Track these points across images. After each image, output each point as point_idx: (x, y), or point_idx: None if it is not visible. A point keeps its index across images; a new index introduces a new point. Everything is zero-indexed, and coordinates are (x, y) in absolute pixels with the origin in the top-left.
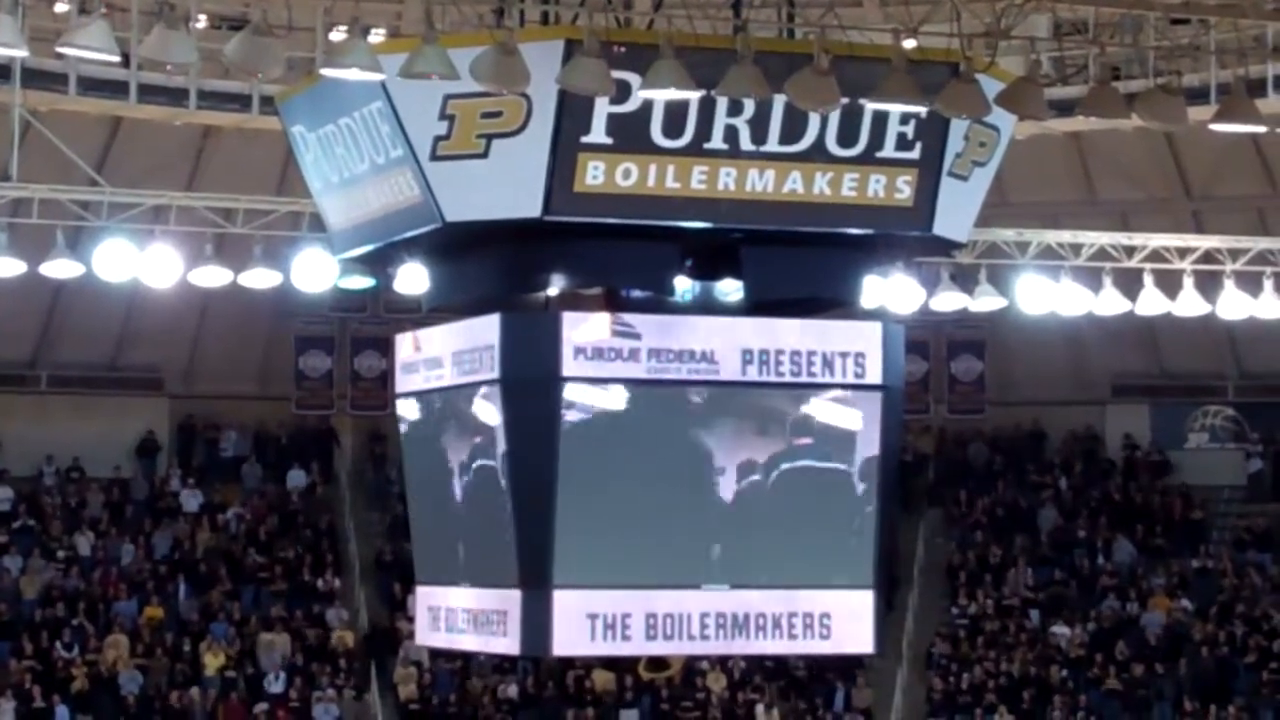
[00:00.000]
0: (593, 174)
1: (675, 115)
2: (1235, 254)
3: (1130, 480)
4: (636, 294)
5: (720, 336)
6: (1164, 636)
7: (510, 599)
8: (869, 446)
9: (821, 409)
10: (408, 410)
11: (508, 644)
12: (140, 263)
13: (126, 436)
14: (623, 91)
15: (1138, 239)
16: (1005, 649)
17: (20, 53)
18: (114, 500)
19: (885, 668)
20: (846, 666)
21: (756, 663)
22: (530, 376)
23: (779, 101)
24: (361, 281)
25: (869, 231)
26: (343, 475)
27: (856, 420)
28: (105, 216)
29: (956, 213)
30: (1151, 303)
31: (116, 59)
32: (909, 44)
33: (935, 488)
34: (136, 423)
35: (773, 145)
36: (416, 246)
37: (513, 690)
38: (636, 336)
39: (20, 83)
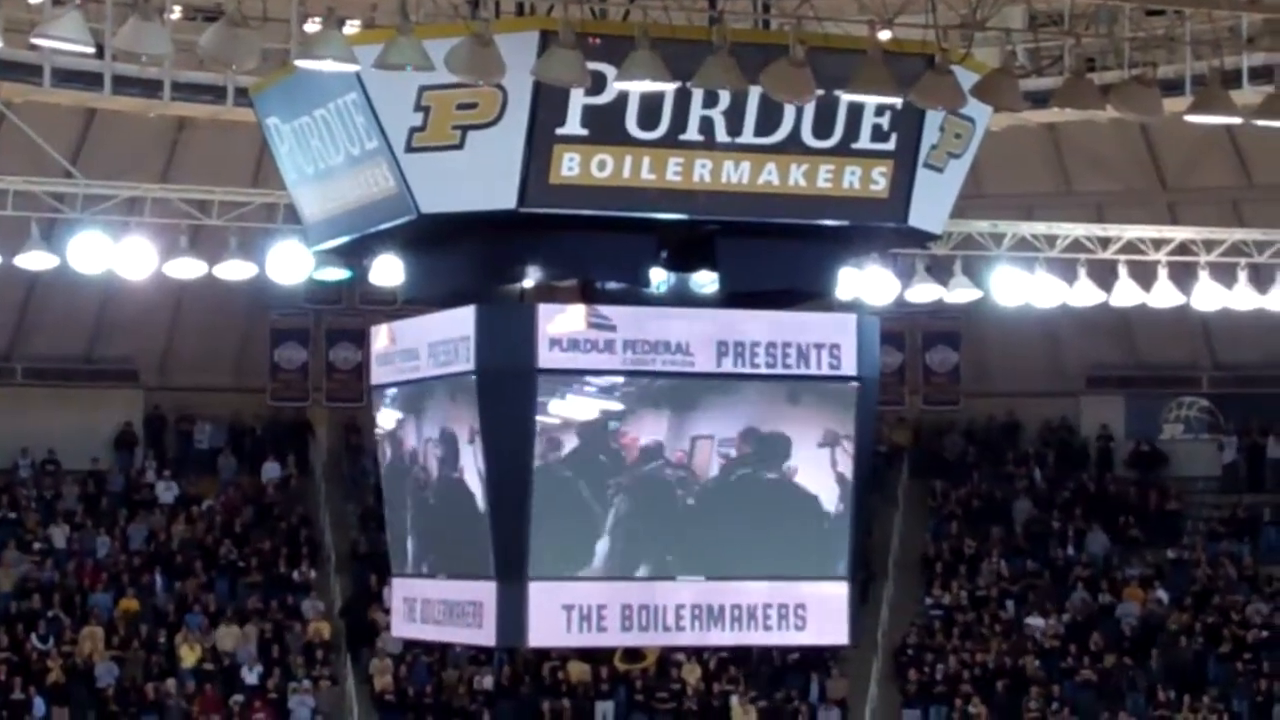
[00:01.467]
0: (568, 165)
1: (650, 107)
2: (1210, 245)
3: (1107, 471)
4: (612, 286)
5: (695, 328)
6: (1138, 627)
7: (486, 590)
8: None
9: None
10: (383, 402)
11: (483, 635)
12: (115, 255)
13: (102, 428)
14: (598, 83)
15: (1113, 230)
16: (980, 640)
17: None
18: (89, 492)
19: (860, 659)
20: (821, 658)
21: (732, 654)
22: (505, 368)
23: (754, 93)
24: (337, 273)
25: (844, 223)
26: (318, 467)
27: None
28: (80, 208)
29: (932, 204)
30: (1126, 294)
31: (91, 50)
32: (884, 35)
33: (911, 479)
34: (112, 415)
35: (748, 137)
36: (392, 238)
37: (488, 681)
38: (612, 328)
39: None
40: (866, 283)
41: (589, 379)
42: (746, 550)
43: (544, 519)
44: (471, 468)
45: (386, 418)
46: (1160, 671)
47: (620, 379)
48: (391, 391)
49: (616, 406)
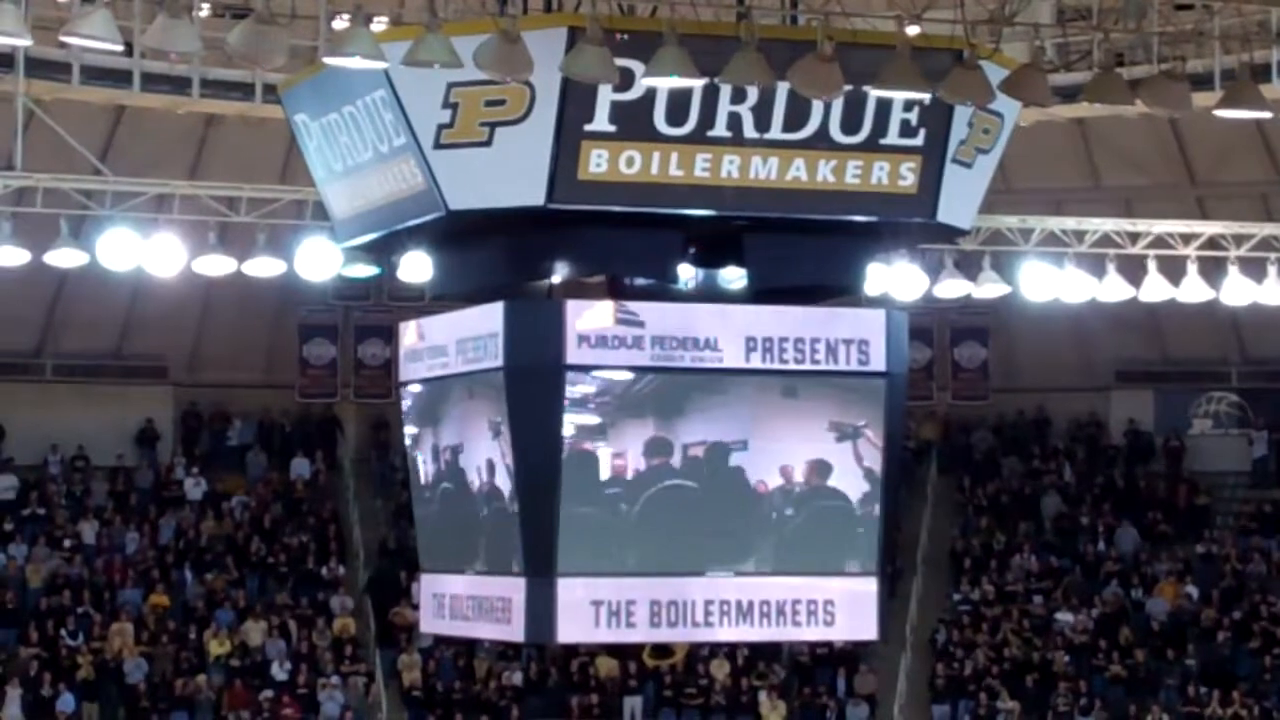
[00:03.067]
0: (596, 162)
1: (679, 103)
2: (1239, 240)
3: (1137, 465)
4: (640, 282)
5: (723, 324)
6: (1168, 623)
7: (515, 586)
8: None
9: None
10: (411, 398)
11: (512, 631)
12: (144, 251)
13: (131, 425)
14: (626, 79)
15: (1141, 225)
16: (1009, 635)
17: (24, 42)
18: (118, 488)
19: (889, 654)
20: (850, 653)
21: (760, 649)
22: (534, 364)
23: (782, 89)
24: (365, 270)
25: (873, 219)
26: (346, 463)
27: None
28: (109, 205)
29: (960, 199)
30: (1155, 289)
31: (120, 48)
32: (912, 31)
33: (939, 474)
34: (141, 411)
35: (776, 133)
36: (420, 235)
37: (517, 677)
38: (640, 324)
39: (24, 72)
40: (895, 278)
41: (615, 391)
42: (776, 546)
43: (574, 515)
44: (500, 463)
45: (415, 414)
46: (1191, 667)
47: (647, 380)
48: (420, 387)
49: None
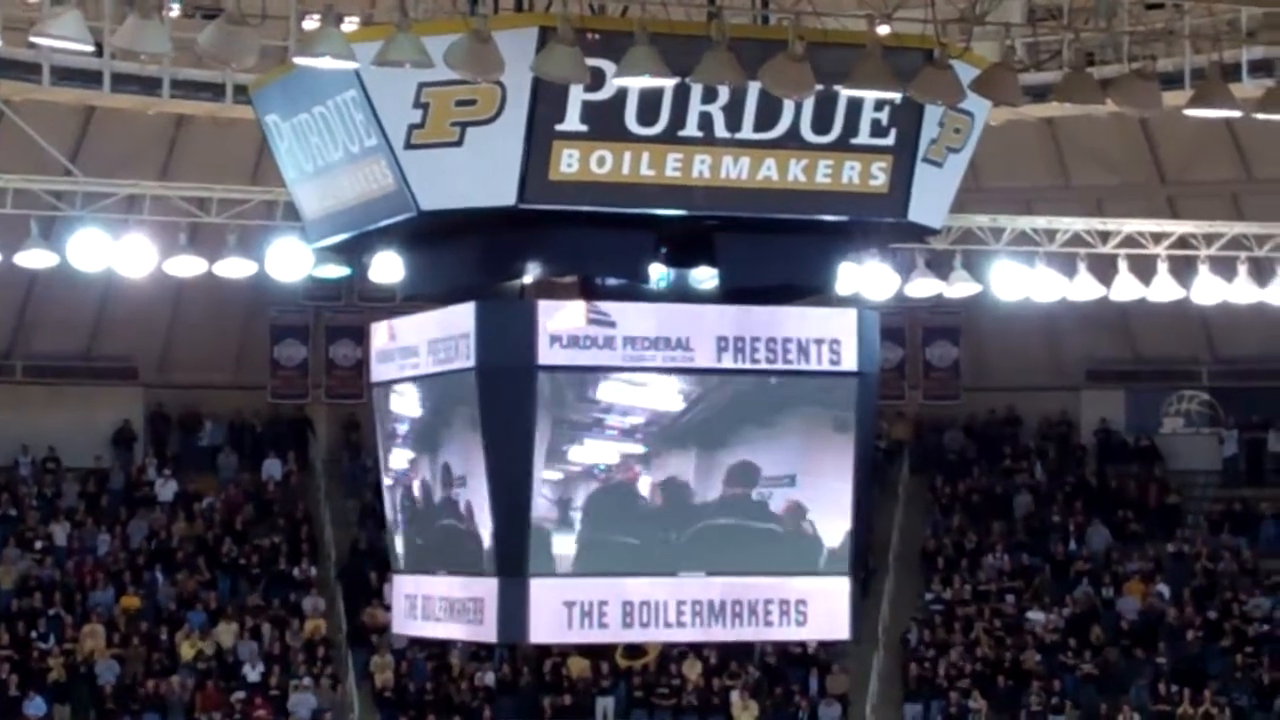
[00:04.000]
0: (567, 162)
1: (650, 102)
2: (1210, 239)
3: (1108, 464)
4: (611, 282)
5: (695, 324)
6: (1139, 621)
7: (487, 587)
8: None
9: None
10: (382, 399)
11: (485, 631)
12: (114, 252)
13: (102, 426)
14: (597, 79)
15: (1112, 224)
16: (980, 634)
17: None
18: (90, 490)
19: (861, 654)
20: (822, 653)
21: (732, 650)
22: (506, 365)
23: (753, 88)
24: (336, 270)
25: (844, 218)
26: (318, 464)
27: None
28: (79, 206)
29: (931, 199)
30: (1126, 288)
31: (90, 48)
32: (883, 30)
33: (911, 474)
34: (111, 412)
35: (747, 132)
36: (391, 235)
37: (489, 678)
38: (611, 324)
39: None
40: (866, 278)
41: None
42: (747, 546)
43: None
44: (472, 464)
45: (386, 415)
46: (1161, 665)
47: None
48: (392, 388)
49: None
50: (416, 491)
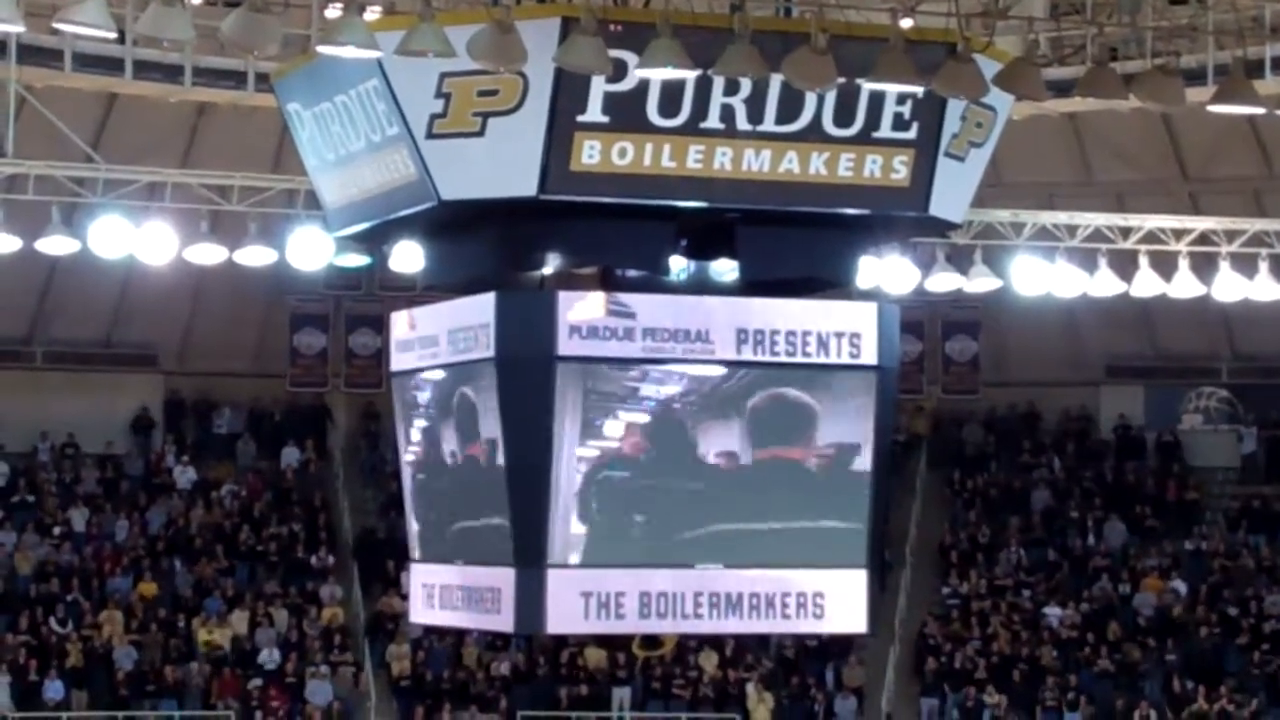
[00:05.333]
0: (589, 153)
1: (671, 94)
2: (1231, 235)
3: (1126, 460)
4: (632, 273)
5: (715, 316)
6: (1155, 618)
7: (505, 577)
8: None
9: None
10: (402, 388)
11: (502, 621)
12: (135, 239)
13: (121, 413)
14: (619, 70)
15: (1133, 220)
16: (997, 629)
17: (16, 28)
18: (108, 476)
19: (877, 647)
20: (838, 646)
21: (749, 642)
22: (525, 355)
23: (775, 81)
24: (357, 259)
25: (865, 212)
26: (336, 453)
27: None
28: (100, 193)
29: (952, 193)
30: (1147, 284)
31: (113, 35)
32: (906, 23)
33: (929, 468)
34: (131, 399)
35: (769, 125)
36: (412, 225)
37: (506, 667)
38: (631, 316)
39: (16, 59)
40: (887, 272)
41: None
42: (765, 538)
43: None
44: (491, 454)
45: (405, 404)
46: (1178, 662)
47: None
48: (411, 377)
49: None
50: (437, 481)
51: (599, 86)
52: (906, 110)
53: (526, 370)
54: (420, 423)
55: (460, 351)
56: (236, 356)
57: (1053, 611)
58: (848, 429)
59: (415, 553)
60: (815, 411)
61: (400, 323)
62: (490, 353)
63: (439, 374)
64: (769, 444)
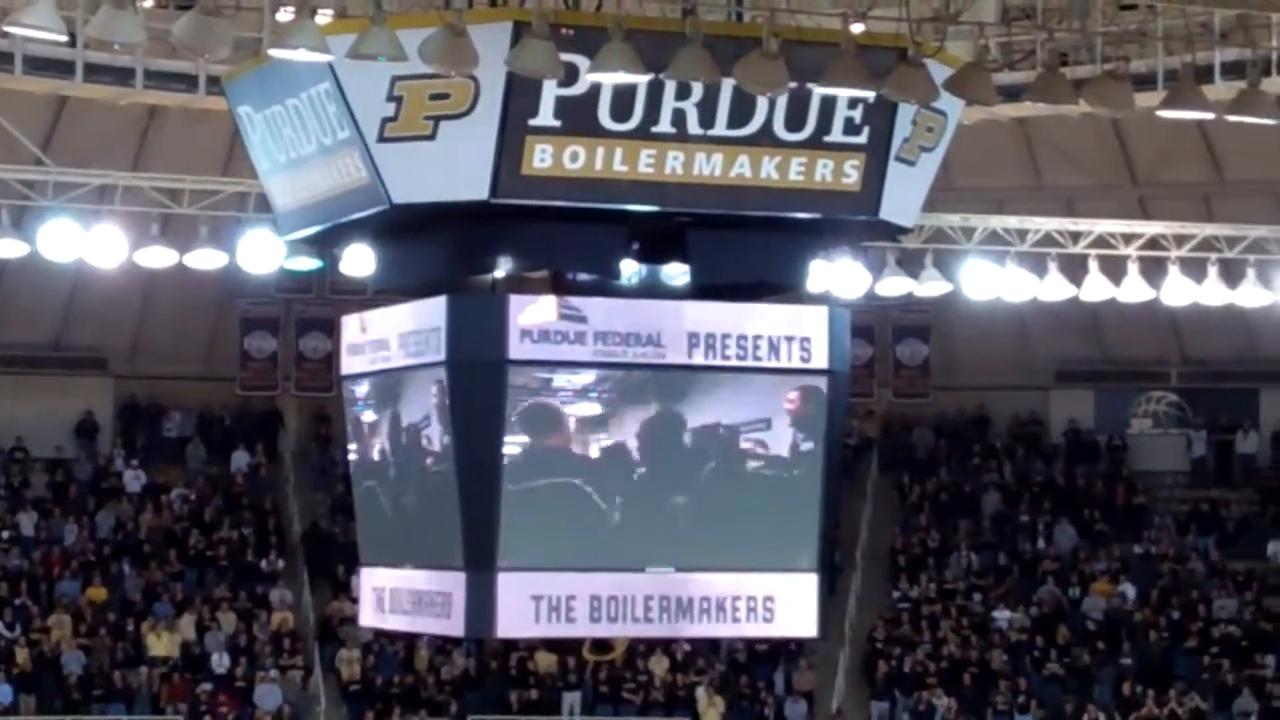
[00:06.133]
0: (540, 156)
1: (623, 98)
2: (1180, 240)
3: (1076, 464)
4: (583, 277)
5: (667, 320)
6: (1105, 621)
7: (455, 580)
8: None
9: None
10: (353, 392)
11: (452, 625)
12: (85, 242)
13: (70, 416)
14: (571, 74)
15: (1083, 225)
16: (947, 633)
17: None
18: (57, 480)
19: (828, 651)
20: (789, 649)
21: (699, 646)
22: (477, 359)
23: (727, 85)
24: (308, 263)
25: (816, 216)
26: (287, 456)
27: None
28: (50, 196)
29: (903, 198)
30: (1096, 289)
31: (63, 38)
32: (858, 28)
33: (880, 472)
34: (80, 402)
35: (720, 129)
36: (363, 228)
37: (456, 671)
38: (583, 320)
39: None
40: (837, 276)
41: (563, 387)
42: (715, 541)
43: (514, 510)
44: (442, 458)
45: (356, 408)
46: (1128, 666)
47: (590, 379)
48: (362, 381)
49: (595, 410)
50: (386, 484)
51: (551, 90)
52: (858, 115)
53: (477, 374)
54: (371, 426)
55: (411, 355)
56: (187, 360)
57: (1002, 615)
58: (798, 431)
59: (365, 556)
60: (767, 415)
61: (351, 326)
62: (441, 356)
63: (390, 378)
64: (720, 447)
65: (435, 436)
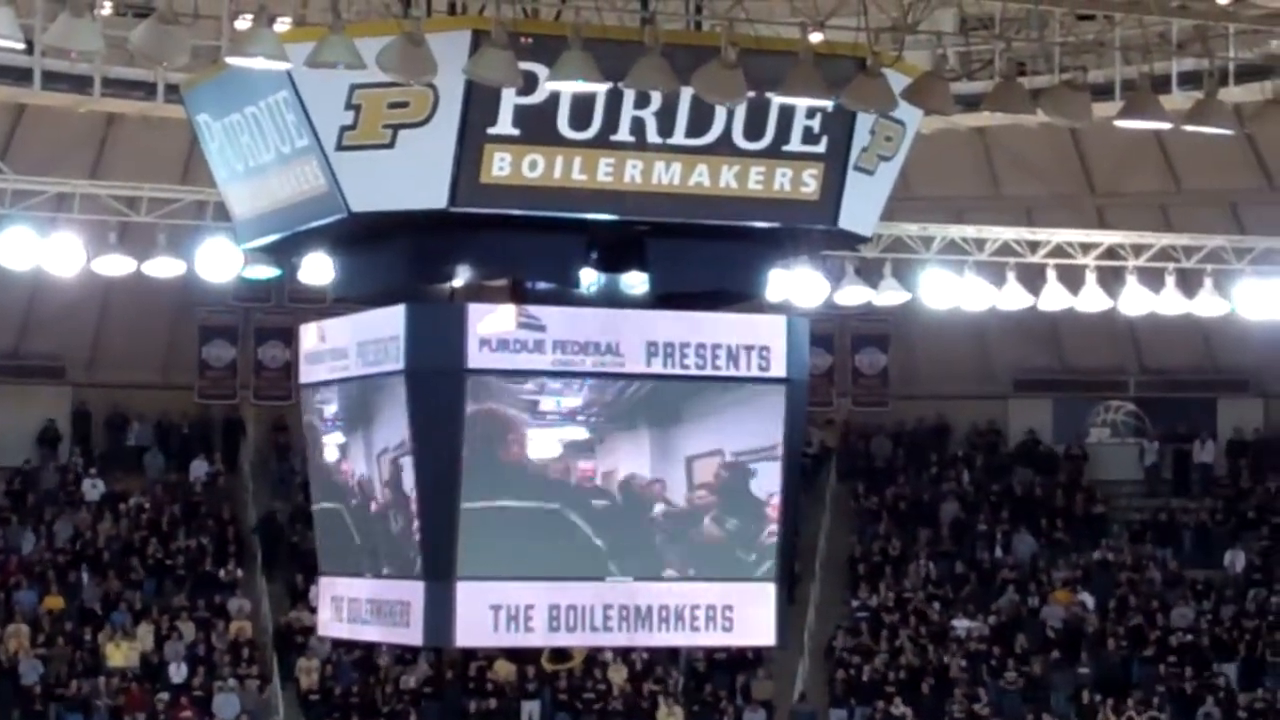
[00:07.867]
0: (499, 165)
1: (582, 107)
2: (1138, 250)
3: (1035, 473)
4: (542, 286)
5: (625, 329)
6: (1063, 629)
7: (414, 590)
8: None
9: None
10: (311, 400)
11: (411, 634)
12: (43, 250)
13: (28, 425)
14: (530, 83)
15: (1041, 234)
16: (906, 642)
17: None
18: (15, 489)
19: (786, 659)
20: (748, 658)
21: (658, 655)
22: (435, 368)
23: (686, 94)
24: (266, 271)
25: (774, 225)
26: (246, 465)
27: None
28: (8, 204)
29: (862, 206)
30: (1054, 298)
31: (21, 46)
32: (816, 38)
33: (838, 481)
34: (38, 411)
35: (679, 138)
36: (322, 236)
37: (414, 681)
38: (541, 328)
39: None
40: (796, 284)
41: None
42: (673, 550)
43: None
44: (400, 467)
45: (315, 416)
46: (1086, 675)
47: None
48: (321, 390)
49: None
50: (345, 493)
51: (509, 99)
52: (816, 124)
53: (436, 383)
54: (329, 435)
55: (370, 364)
56: (145, 368)
57: (961, 624)
58: (756, 441)
59: (324, 565)
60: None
61: (310, 335)
62: (400, 365)
63: (348, 386)
64: (676, 455)
65: (394, 445)
